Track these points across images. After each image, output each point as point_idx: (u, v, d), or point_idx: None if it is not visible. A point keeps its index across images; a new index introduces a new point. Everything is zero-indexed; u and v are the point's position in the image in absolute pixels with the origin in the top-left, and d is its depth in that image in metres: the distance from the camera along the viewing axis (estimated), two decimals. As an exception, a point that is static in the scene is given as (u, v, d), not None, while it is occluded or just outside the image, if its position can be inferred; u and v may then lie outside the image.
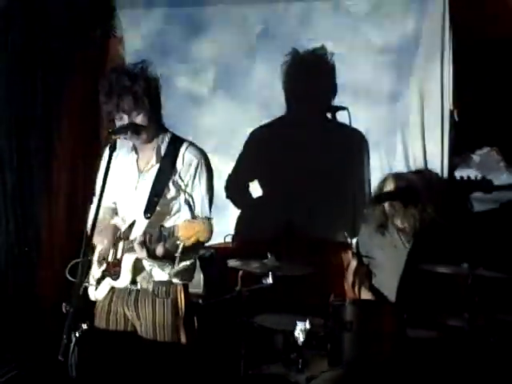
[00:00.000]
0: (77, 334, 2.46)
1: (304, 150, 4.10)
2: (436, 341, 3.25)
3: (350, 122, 4.01)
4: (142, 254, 2.88)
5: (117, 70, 3.02)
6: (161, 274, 3.08)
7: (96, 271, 3.14)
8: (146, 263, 3.06)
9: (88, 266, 3.05)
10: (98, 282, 3.12)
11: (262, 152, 4.22)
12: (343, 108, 4.02)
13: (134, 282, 3.06)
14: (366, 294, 3.80)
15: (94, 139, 4.29)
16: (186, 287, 3.13)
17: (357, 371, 3.12)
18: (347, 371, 3.14)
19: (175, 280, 3.09)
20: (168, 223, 2.98)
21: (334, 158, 4.08)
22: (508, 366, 3.21)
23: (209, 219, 2.70)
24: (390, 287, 3.72)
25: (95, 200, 2.75)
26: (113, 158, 2.71)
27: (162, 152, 3.05)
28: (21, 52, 4.29)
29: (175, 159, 3.02)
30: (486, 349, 3.21)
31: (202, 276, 3.73)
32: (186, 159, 3.03)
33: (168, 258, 2.92)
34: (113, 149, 2.72)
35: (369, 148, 4.06)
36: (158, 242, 2.83)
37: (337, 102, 4.07)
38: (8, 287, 4.11)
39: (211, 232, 2.66)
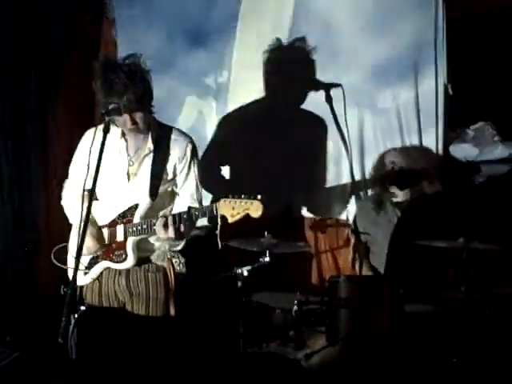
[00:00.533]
0: (76, 316, 2.48)
1: (277, 134, 4.18)
2: (432, 315, 3.27)
3: (344, 99, 4.00)
4: (166, 234, 2.92)
5: (112, 66, 3.00)
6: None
7: (84, 257, 3.16)
8: (157, 242, 3.13)
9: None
10: (89, 267, 3.16)
11: (237, 135, 4.26)
12: (337, 85, 4.01)
13: (138, 262, 3.11)
14: (365, 271, 3.83)
15: (89, 125, 4.28)
16: (172, 262, 3.20)
17: (354, 348, 3.14)
18: (344, 348, 3.16)
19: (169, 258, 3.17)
20: (167, 207, 3.11)
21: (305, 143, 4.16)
22: (504, 339, 3.23)
23: (256, 198, 2.72)
24: (383, 262, 3.74)
25: (87, 184, 2.74)
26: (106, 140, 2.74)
27: (155, 138, 3.13)
28: (13, 39, 4.29)
29: (168, 145, 3.12)
30: (482, 322, 3.24)
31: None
32: (178, 144, 3.13)
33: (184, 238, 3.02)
34: (107, 130, 2.75)
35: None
36: (189, 222, 2.88)
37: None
38: (7, 273, 4.14)
39: (262, 208, 2.69)
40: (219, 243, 3.25)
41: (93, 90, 3.02)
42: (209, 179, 3.25)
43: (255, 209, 2.67)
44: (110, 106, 2.88)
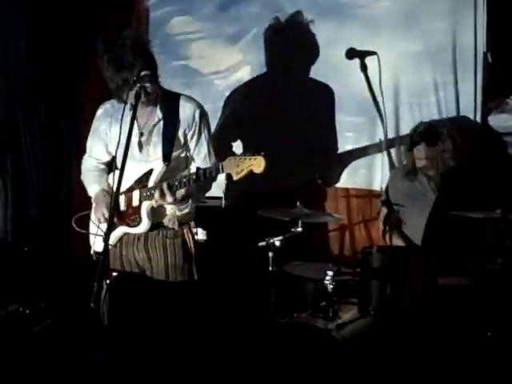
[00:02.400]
0: (107, 282, 2.49)
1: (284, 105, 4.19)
2: (466, 288, 3.21)
3: (380, 67, 3.91)
4: (164, 201, 2.99)
5: (116, 41, 3.01)
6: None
7: (104, 225, 3.18)
8: (168, 206, 3.16)
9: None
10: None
11: (247, 109, 4.27)
12: (373, 53, 3.92)
13: (154, 227, 3.15)
14: (397, 242, 3.78)
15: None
16: (191, 229, 3.25)
17: (385, 320, 3.11)
18: (375, 320, 3.13)
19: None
20: (183, 171, 3.16)
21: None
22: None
23: (259, 154, 2.76)
24: (420, 235, 3.69)
25: (119, 155, 2.80)
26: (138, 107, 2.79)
27: (163, 106, 3.16)
28: (45, 13, 4.31)
29: (177, 111, 3.15)
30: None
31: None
32: (187, 110, 3.16)
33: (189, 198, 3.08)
34: (139, 97, 2.82)
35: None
36: (197, 182, 2.93)
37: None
38: (43, 243, 4.19)
39: (265, 164, 2.73)
40: (222, 202, 3.25)
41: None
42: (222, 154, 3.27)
43: (258, 164, 2.72)
44: (142, 73, 2.90)
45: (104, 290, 2.51)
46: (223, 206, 3.36)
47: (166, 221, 3.22)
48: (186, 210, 3.20)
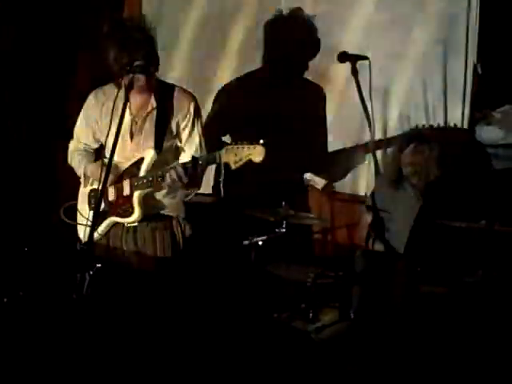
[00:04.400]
0: (91, 273, 2.46)
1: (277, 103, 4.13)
2: (448, 297, 3.24)
3: (370, 71, 3.92)
4: (175, 185, 2.98)
5: (122, 27, 3.04)
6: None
7: (90, 213, 3.17)
8: (160, 195, 3.16)
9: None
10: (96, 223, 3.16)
11: (238, 104, 4.23)
12: (365, 57, 3.92)
13: (145, 217, 3.13)
14: (379, 248, 3.78)
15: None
16: (180, 221, 3.24)
17: (365, 324, 3.12)
18: (355, 323, 3.14)
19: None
20: (171, 163, 3.12)
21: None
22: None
23: (258, 143, 2.76)
24: (402, 242, 3.70)
25: (109, 142, 2.80)
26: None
27: (157, 96, 3.15)
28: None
29: (171, 102, 3.14)
30: (497, 307, 3.20)
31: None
32: (182, 102, 3.16)
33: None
34: (131, 87, 2.82)
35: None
36: (193, 171, 2.93)
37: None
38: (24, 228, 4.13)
39: (264, 153, 2.73)
40: (221, 191, 3.25)
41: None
42: (210, 149, 3.26)
43: (258, 153, 2.72)
44: (136, 63, 2.89)
45: (87, 281, 2.47)
46: (222, 194, 3.36)
47: (170, 209, 3.19)
48: (188, 197, 3.18)
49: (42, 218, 4.09)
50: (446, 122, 3.90)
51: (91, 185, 3.25)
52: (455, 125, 3.89)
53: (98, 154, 3.35)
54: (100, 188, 2.60)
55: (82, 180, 3.31)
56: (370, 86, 3.97)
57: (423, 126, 3.91)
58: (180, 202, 3.24)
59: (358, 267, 3.18)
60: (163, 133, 3.11)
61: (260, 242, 3.30)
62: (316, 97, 4.13)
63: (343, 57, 4.02)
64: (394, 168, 3.80)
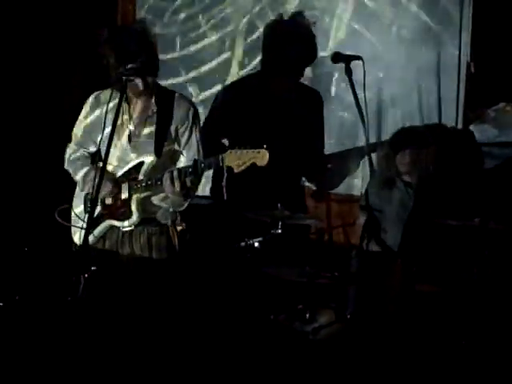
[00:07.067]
0: (86, 276, 2.47)
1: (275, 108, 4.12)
2: (443, 295, 3.24)
3: (364, 72, 3.92)
4: (172, 189, 2.97)
5: (123, 31, 3.09)
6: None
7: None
8: (160, 204, 3.15)
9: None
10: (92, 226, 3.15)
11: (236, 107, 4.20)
12: (358, 57, 3.93)
13: (142, 221, 3.14)
14: (374, 248, 3.79)
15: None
16: (175, 225, 3.24)
17: (362, 325, 3.13)
18: (351, 324, 3.15)
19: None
20: (170, 167, 3.11)
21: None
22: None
23: (262, 147, 2.79)
24: (397, 241, 3.71)
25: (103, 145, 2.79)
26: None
27: (157, 101, 3.18)
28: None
29: (171, 108, 3.17)
30: (493, 305, 3.21)
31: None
32: (182, 108, 3.18)
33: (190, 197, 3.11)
34: (124, 90, 2.85)
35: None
36: (194, 175, 2.94)
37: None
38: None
39: (268, 158, 2.76)
40: (225, 195, 3.26)
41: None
42: (208, 150, 3.27)
43: (262, 157, 2.75)
44: (129, 66, 2.90)
45: (81, 284, 2.48)
46: (225, 197, 3.38)
47: (158, 215, 3.19)
48: (182, 208, 3.18)
49: (38, 220, 4.11)
50: (440, 120, 3.92)
51: (88, 187, 3.21)
52: (450, 124, 3.91)
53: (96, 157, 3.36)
54: (94, 192, 2.61)
55: (78, 183, 3.30)
56: (363, 86, 3.98)
57: (418, 125, 3.93)
58: (174, 212, 3.24)
59: (353, 267, 3.18)
60: (163, 137, 3.13)
61: (256, 244, 3.30)
62: (314, 102, 4.13)
63: (336, 57, 4.03)
64: (389, 167, 3.81)
